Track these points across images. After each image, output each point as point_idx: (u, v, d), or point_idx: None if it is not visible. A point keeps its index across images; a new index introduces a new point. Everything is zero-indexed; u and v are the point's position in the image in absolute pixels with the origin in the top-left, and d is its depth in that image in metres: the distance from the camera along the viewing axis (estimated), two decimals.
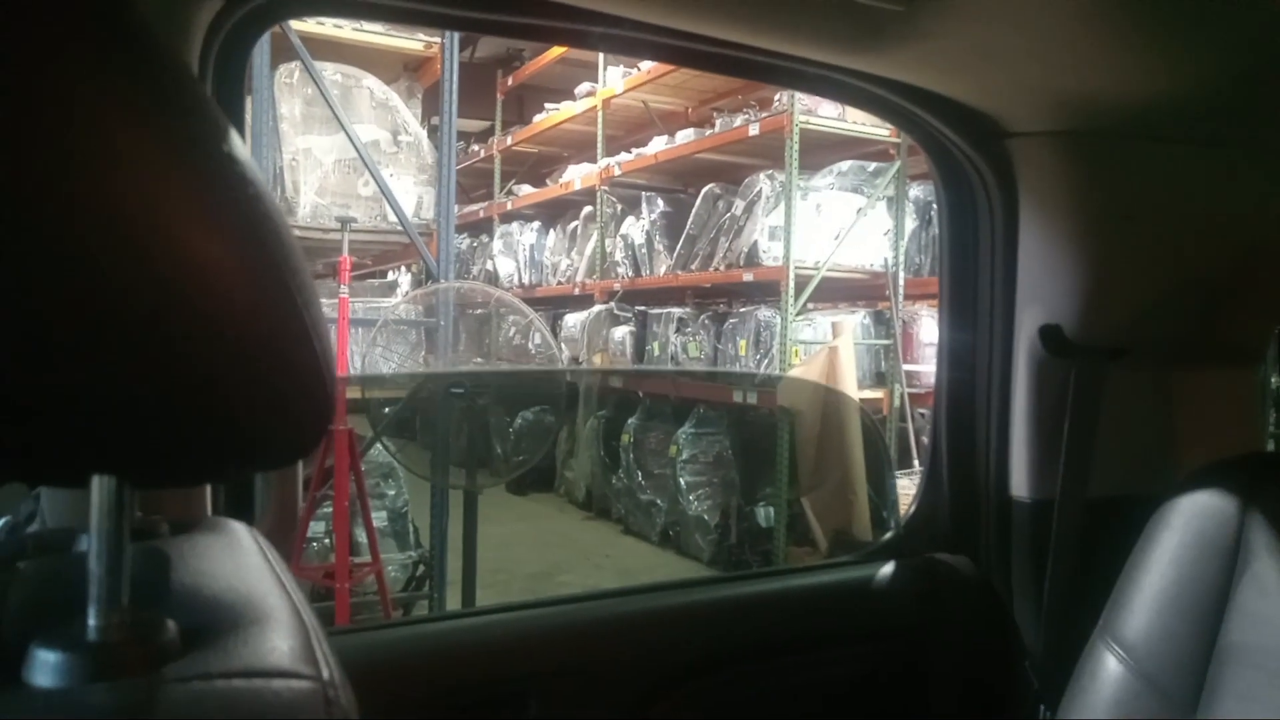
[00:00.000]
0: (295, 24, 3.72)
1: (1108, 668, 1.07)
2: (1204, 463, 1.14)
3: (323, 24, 4.10)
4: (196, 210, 0.37)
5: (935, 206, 2.77)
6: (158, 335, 0.37)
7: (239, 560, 0.55)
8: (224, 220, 0.38)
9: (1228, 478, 1.06)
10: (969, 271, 1.47)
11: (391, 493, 4.13)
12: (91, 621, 0.41)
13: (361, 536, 3.57)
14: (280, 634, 0.44)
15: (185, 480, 0.53)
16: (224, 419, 0.40)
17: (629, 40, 1.15)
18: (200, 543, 0.57)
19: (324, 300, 3.34)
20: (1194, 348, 1.38)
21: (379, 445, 3.84)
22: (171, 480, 0.51)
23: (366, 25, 4.29)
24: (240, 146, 0.40)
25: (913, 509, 1.60)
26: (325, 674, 0.42)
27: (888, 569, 1.48)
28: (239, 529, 0.61)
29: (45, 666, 0.39)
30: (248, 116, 3.57)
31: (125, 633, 0.41)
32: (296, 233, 3.87)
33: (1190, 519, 1.06)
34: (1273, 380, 3.04)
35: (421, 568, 4.08)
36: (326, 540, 3.62)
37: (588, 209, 6.77)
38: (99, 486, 0.41)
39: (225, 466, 0.45)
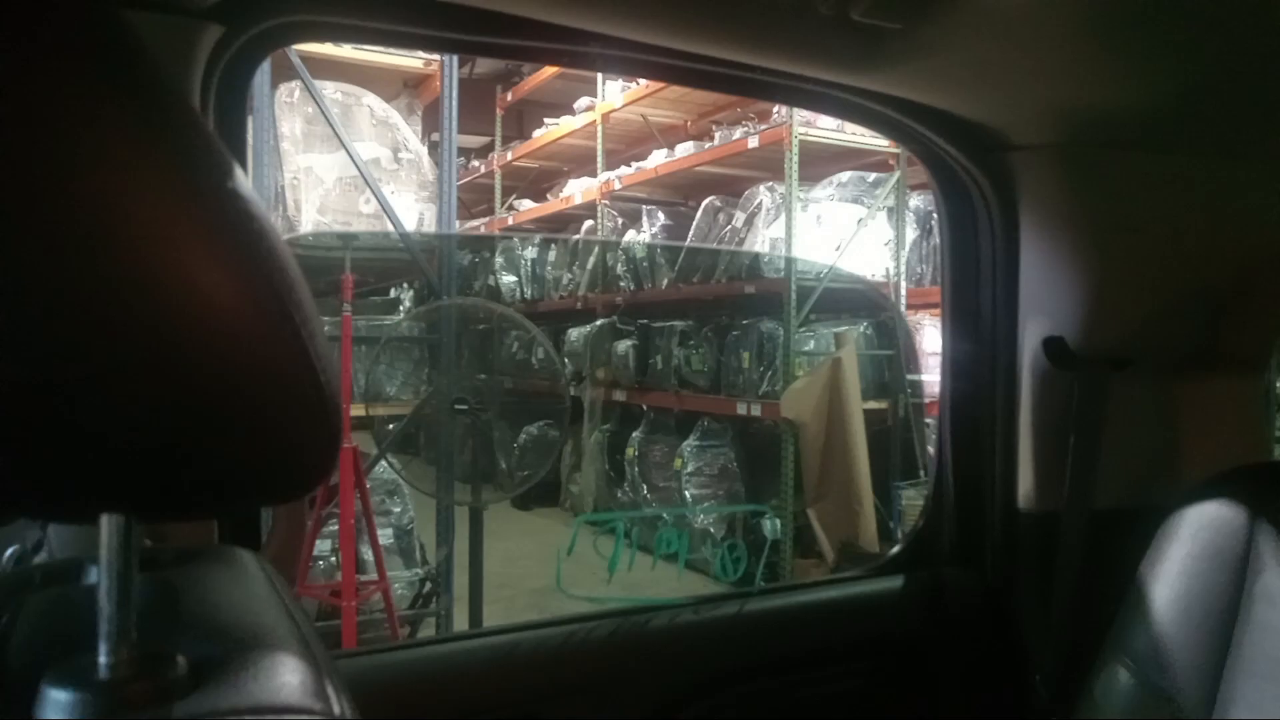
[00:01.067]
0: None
1: (1119, 681, 1.06)
2: (1210, 473, 1.14)
3: (323, 44, 4.12)
4: (201, 248, 0.37)
5: (935, 218, 2.77)
6: (164, 372, 0.37)
7: (247, 590, 0.55)
8: (228, 257, 0.38)
9: (1235, 488, 1.06)
10: (971, 285, 1.47)
11: (397, 509, 4.13)
12: (101, 659, 0.41)
13: (367, 554, 3.56)
14: (289, 668, 0.44)
15: (193, 514, 0.53)
16: (231, 454, 0.40)
17: (629, 60, 1.15)
18: (208, 572, 0.57)
19: (326, 318, 3.35)
20: (1198, 357, 1.38)
21: (384, 462, 3.84)
22: (179, 515, 0.51)
23: (366, 45, 4.31)
24: (243, 181, 0.40)
25: (919, 523, 1.60)
26: (336, 709, 0.42)
27: (895, 583, 1.47)
28: (246, 557, 0.61)
29: (56, 705, 0.39)
30: (249, 137, 3.58)
31: (135, 669, 0.41)
32: (298, 252, 3.87)
33: (1199, 530, 1.05)
34: (1277, 385, 3.02)
35: (428, 584, 4.08)
36: (333, 559, 3.61)
37: (589, 223, 6.78)
38: (107, 523, 0.42)
39: (233, 500, 0.46)
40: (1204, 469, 1.14)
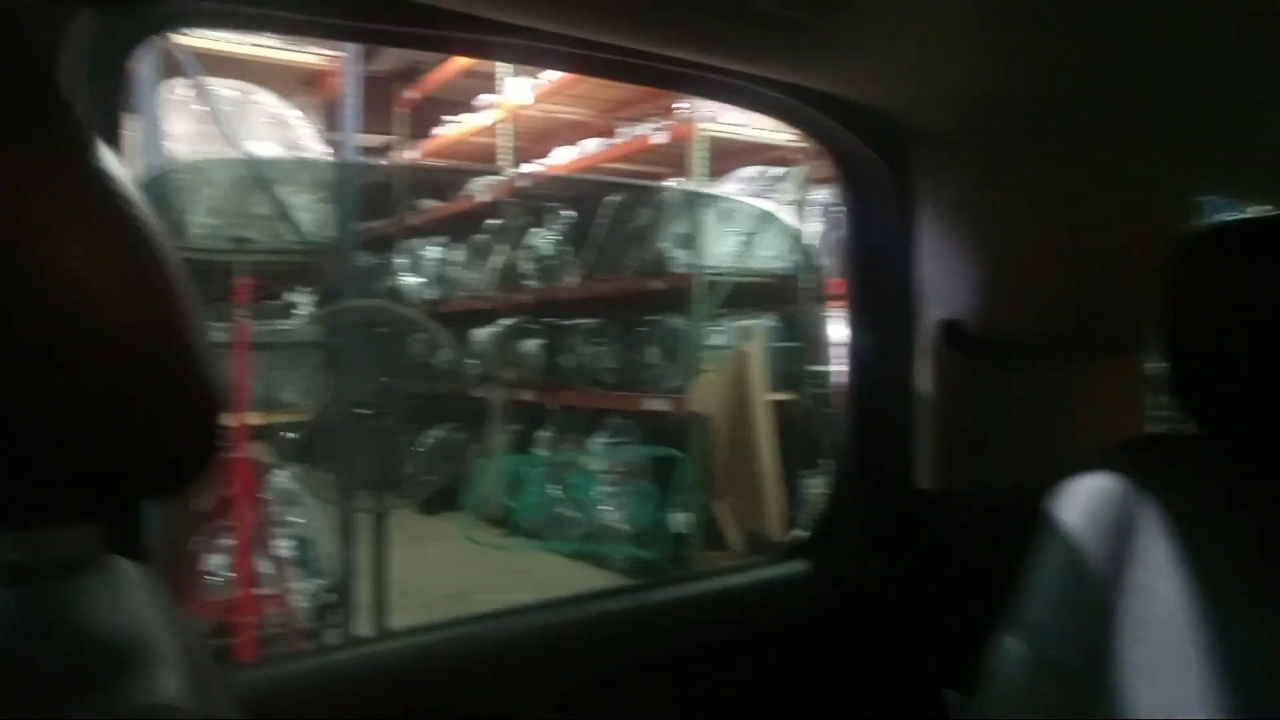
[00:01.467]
0: (187, 39, 3.59)
1: (1012, 653, 1.08)
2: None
3: (216, 39, 3.97)
4: (68, 228, 0.35)
5: (838, 208, 2.81)
6: (23, 360, 0.34)
7: (125, 601, 0.51)
8: (97, 239, 0.36)
9: (1119, 461, 1.10)
10: (872, 271, 1.50)
11: (297, 520, 4.01)
12: None
13: (266, 567, 3.45)
14: (168, 673, 0.42)
15: (56, 519, 0.50)
16: (98, 450, 0.37)
17: (533, 50, 1.14)
18: (85, 583, 0.53)
19: (220, 324, 3.23)
20: (1090, 338, 1.43)
21: (283, 472, 3.73)
22: (40, 520, 0.48)
23: (261, 40, 4.18)
24: (115, 164, 0.38)
25: (823, 509, 1.62)
26: (215, 711, 0.40)
27: (799, 569, 1.49)
28: (127, 567, 0.58)
29: None
30: (137, 135, 3.44)
31: None
32: (191, 256, 3.73)
33: (1085, 502, 1.08)
34: (1149, 365, 3.17)
35: (333, 595, 3.97)
36: (228, 574, 3.49)
37: (494, 222, 6.71)
38: None
39: (102, 502, 0.43)
40: (1098, 445, 1.18)
